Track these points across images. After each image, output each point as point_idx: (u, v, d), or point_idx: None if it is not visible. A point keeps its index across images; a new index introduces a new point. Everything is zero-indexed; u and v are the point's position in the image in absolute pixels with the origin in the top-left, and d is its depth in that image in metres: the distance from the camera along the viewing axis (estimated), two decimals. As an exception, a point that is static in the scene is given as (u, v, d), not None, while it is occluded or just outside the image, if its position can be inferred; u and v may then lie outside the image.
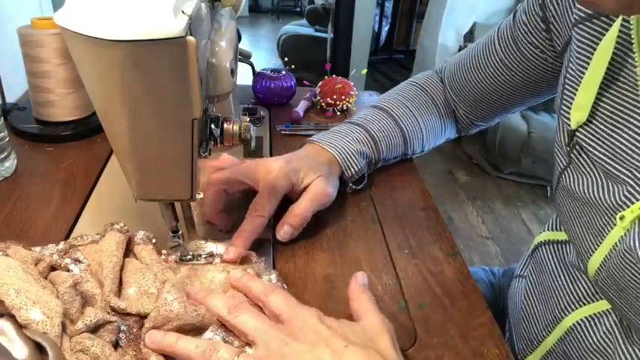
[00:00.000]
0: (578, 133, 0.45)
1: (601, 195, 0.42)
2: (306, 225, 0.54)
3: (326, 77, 0.90)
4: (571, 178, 0.46)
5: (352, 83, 0.89)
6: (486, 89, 0.63)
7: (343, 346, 0.36)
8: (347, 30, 2.48)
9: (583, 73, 0.44)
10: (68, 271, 0.43)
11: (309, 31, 3.42)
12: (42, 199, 0.58)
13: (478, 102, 0.66)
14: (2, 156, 0.61)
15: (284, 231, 0.53)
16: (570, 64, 0.46)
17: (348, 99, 0.87)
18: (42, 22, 0.67)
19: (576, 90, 0.45)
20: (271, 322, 0.39)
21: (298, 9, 5.61)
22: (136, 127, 0.37)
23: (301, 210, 0.53)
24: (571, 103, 0.45)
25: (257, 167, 0.55)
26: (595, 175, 0.43)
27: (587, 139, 0.44)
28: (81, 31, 0.31)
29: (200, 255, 0.49)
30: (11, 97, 0.80)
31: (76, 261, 0.45)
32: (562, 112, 0.47)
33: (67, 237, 0.52)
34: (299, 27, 3.53)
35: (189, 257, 0.49)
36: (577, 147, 0.45)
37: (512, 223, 2.07)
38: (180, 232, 0.48)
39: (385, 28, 3.78)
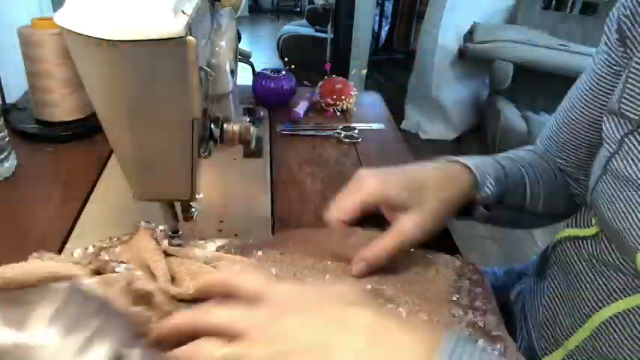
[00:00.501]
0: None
1: None
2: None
3: (326, 77, 0.90)
4: (625, 164, 0.46)
5: (352, 83, 0.89)
6: (585, 139, 0.58)
7: (346, 304, 0.34)
8: (347, 30, 2.48)
9: None
10: (114, 272, 0.42)
11: (309, 31, 3.41)
12: (42, 199, 0.58)
13: (581, 159, 0.60)
14: (2, 156, 0.61)
15: (357, 268, 0.48)
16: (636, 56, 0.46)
17: (347, 99, 0.87)
18: (42, 22, 0.67)
19: None
20: (246, 307, 0.35)
21: (298, 9, 5.60)
22: (135, 127, 0.37)
23: (379, 249, 0.48)
24: (634, 96, 0.45)
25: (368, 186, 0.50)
26: None
27: None
28: (81, 31, 0.31)
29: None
30: (11, 98, 0.80)
31: (118, 262, 0.44)
32: (623, 101, 0.47)
33: (67, 237, 0.52)
34: (299, 27, 3.53)
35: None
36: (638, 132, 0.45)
37: (512, 223, 2.07)
38: (181, 232, 0.48)
39: (385, 29, 3.78)
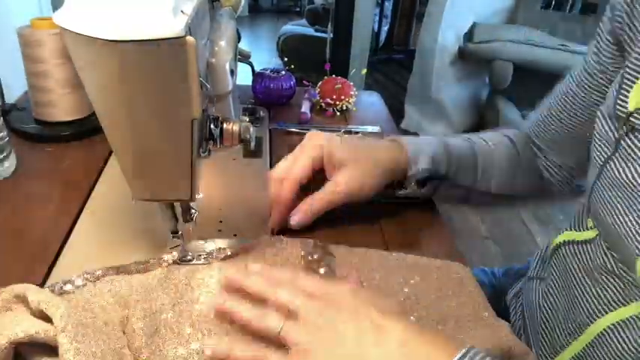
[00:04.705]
0: (633, 118, 0.44)
1: None
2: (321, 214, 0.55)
3: (326, 77, 0.90)
4: (621, 166, 0.45)
5: (352, 83, 0.89)
6: (572, 132, 0.61)
7: (381, 316, 0.38)
8: (347, 30, 2.48)
9: None
10: None
11: (308, 31, 3.41)
12: (42, 199, 0.58)
13: (566, 149, 0.64)
14: (2, 156, 0.61)
15: (295, 219, 0.55)
16: (636, 56, 0.46)
17: (347, 99, 0.87)
18: (41, 22, 0.67)
19: (637, 76, 0.45)
20: (306, 295, 0.41)
21: (298, 9, 5.60)
22: (135, 127, 0.37)
23: (315, 200, 0.55)
24: (629, 92, 0.45)
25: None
26: None
27: None
28: (80, 31, 0.31)
29: (200, 255, 0.49)
30: (11, 98, 0.80)
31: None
32: (618, 101, 0.46)
33: (67, 237, 0.52)
34: (299, 27, 3.53)
35: (189, 257, 0.49)
36: (632, 132, 0.44)
37: (512, 223, 2.07)
38: (180, 232, 0.48)
39: (385, 28, 3.78)
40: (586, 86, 0.57)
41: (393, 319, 0.38)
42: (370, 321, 0.37)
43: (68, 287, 0.44)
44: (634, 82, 0.45)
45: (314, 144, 0.57)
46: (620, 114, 0.46)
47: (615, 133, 0.47)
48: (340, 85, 0.87)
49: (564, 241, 0.57)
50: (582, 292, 0.52)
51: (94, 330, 0.37)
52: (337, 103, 0.87)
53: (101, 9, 0.31)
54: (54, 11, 0.35)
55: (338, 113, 0.88)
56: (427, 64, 2.57)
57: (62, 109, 0.72)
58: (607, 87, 0.55)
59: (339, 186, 0.55)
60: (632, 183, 0.44)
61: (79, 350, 0.35)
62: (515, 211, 2.15)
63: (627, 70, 0.47)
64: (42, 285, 0.45)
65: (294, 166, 0.56)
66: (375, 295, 0.41)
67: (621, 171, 0.45)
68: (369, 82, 3.17)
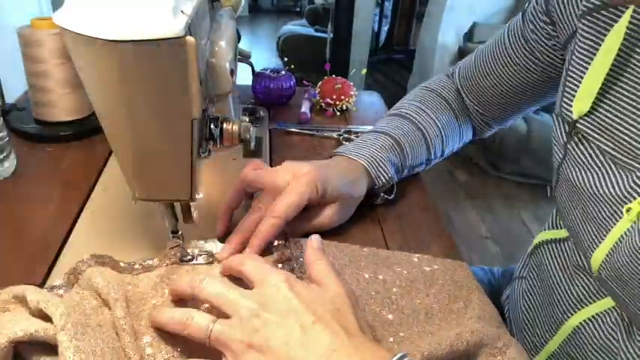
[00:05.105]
0: (579, 124, 0.45)
1: (604, 186, 0.42)
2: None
3: (325, 77, 0.90)
4: (571, 171, 0.46)
5: (352, 83, 0.89)
6: (498, 88, 0.63)
7: (311, 321, 0.36)
8: (347, 30, 2.48)
9: (588, 64, 0.44)
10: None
11: (308, 31, 3.41)
12: (42, 199, 0.58)
13: (491, 101, 0.66)
14: (2, 156, 0.61)
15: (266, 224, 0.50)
16: (574, 57, 0.46)
17: (347, 99, 0.87)
18: (41, 22, 0.67)
19: (578, 81, 0.45)
20: (241, 290, 0.39)
21: (298, 9, 5.60)
22: (135, 127, 0.37)
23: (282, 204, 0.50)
24: (573, 96, 0.46)
25: (278, 171, 0.54)
26: (598, 166, 0.43)
27: (590, 129, 0.44)
28: (80, 31, 0.31)
29: (200, 255, 0.49)
30: (10, 98, 0.80)
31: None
32: (563, 104, 0.47)
33: (67, 237, 0.52)
34: (299, 27, 3.53)
35: (188, 258, 0.49)
36: (577, 138, 0.45)
37: (512, 223, 2.07)
38: (180, 232, 0.48)
39: (385, 28, 3.78)
40: (518, 48, 0.59)
41: (324, 326, 0.36)
42: (299, 325, 0.36)
43: (61, 292, 0.44)
44: (576, 87, 0.46)
45: (309, 182, 0.52)
46: (566, 117, 0.47)
47: (564, 136, 0.47)
48: (340, 85, 0.87)
49: (542, 240, 0.58)
50: (557, 289, 0.53)
51: (92, 329, 0.37)
52: (337, 103, 0.87)
53: (101, 9, 0.31)
54: (54, 11, 0.35)
55: (338, 113, 0.88)
56: (427, 64, 2.57)
57: (62, 109, 0.72)
58: (535, 57, 0.57)
59: (326, 219, 0.55)
60: (579, 185, 0.45)
61: (78, 348, 0.35)
62: (515, 211, 2.15)
63: (570, 71, 0.47)
64: (42, 285, 0.45)
65: (285, 204, 0.50)
66: (318, 298, 0.38)
67: (571, 175, 0.46)
68: (369, 82, 3.18)
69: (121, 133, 0.38)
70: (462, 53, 2.47)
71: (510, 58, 0.60)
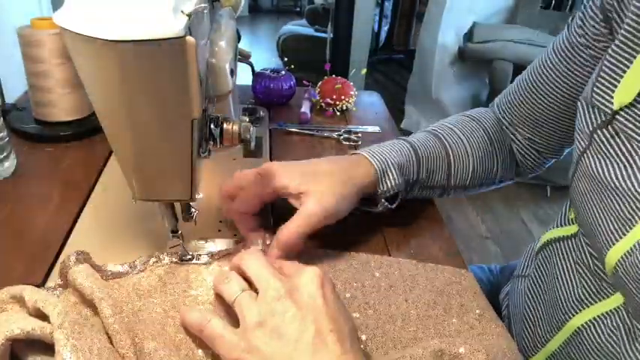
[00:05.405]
0: (618, 116, 0.42)
1: (632, 181, 0.41)
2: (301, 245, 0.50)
3: (326, 77, 0.90)
4: (594, 162, 0.44)
5: (352, 83, 0.89)
6: (547, 106, 0.58)
7: (329, 330, 0.36)
8: (347, 30, 2.48)
9: (634, 56, 0.42)
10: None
11: (308, 31, 3.41)
12: (42, 199, 0.58)
13: (539, 123, 0.60)
14: (2, 156, 0.61)
15: (272, 254, 0.49)
16: (619, 42, 0.44)
17: (347, 99, 0.87)
18: (41, 22, 0.67)
19: (622, 70, 0.43)
20: (276, 271, 0.41)
21: (298, 9, 5.60)
22: (135, 127, 0.37)
23: (288, 234, 0.49)
24: (611, 84, 0.43)
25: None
26: (627, 159, 0.41)
27: (628, 122, 0.42)
28: (80, 31, 0.31)
29: (200, 255, 0.49)
30: (10, 98, 0.80)
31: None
32: (597, 91, 0.45)
33: (67, 237, 0.52)
34: (299, 27, 3.53)
35: (189, 257, 0.49)
36: (610, 129, 0.43)
37: (512, 223, 2.07)
38: (180, 232, 0.48)
39: (385, 28, 3.78)
40: (567, 58, 0.54)
41: (338, 337, 0.36)
42: (316, 328, 0.36)
43: (57, 293, 0.44)
44: (616, 73, 0.43)
45: (314, 212, 0.50)
46: (597, 102, 0.45)
47: (591, 125, 0.45)
48: (340, 85, 0.87)
49: (550, 239, 0.57)
50: (561, 288, 0.52)
51: (89, 328, 0.37)
52: (337, 103, 0.87)
53: (101, 9, 0.31)
54: (54, 11, 0.35)
55: (338, 113, 0.88)
56: (427, 64, 2.57)
57: (62, 109, 0.72)
58: (588, 65, 0.52)
59: (307, 212, 0.50)
60: (602, 177, 0.43)
61: (75, 346, 0.35)
62: (515, 211, 2.15)
63: (608, 57, 0.45)
64: (42, 285, 0.45)
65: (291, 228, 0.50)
66: (339, 310, 0.38)
67: (593, 165, 0.44)
68: (369, 82, 3.17)
69: (121, 133, 0.38)
70: (461, 53, 2.47)
71: (557, 70, 0.55)
